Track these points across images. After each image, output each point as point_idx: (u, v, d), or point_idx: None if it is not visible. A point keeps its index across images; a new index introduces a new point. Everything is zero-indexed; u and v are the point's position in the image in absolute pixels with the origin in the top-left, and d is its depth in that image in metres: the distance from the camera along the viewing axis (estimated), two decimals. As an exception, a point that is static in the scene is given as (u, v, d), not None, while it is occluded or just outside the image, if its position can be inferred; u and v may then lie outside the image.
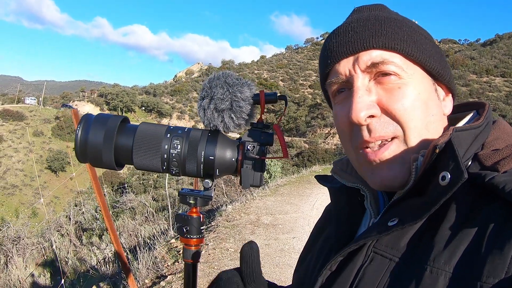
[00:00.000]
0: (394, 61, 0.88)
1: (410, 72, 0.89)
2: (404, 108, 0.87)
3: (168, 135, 0.99)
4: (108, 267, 8.54)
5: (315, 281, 0.94)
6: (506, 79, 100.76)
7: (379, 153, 0.89)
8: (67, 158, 62.54)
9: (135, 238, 10.38)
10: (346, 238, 0.99)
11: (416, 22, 1.03)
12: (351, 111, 0.88)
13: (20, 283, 8.38)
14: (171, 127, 1.02)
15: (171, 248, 7.58)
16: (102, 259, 9.24)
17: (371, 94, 0.89)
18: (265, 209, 10.46)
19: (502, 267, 0.67)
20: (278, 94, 1.01)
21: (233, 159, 0.99)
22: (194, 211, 1.08)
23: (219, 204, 12.28)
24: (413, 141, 0.88)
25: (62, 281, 5.95)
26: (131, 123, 1.06)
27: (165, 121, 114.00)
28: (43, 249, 10.64)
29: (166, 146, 0.98)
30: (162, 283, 5.83)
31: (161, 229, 9.83)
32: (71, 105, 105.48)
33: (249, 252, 0.92)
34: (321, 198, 11.68)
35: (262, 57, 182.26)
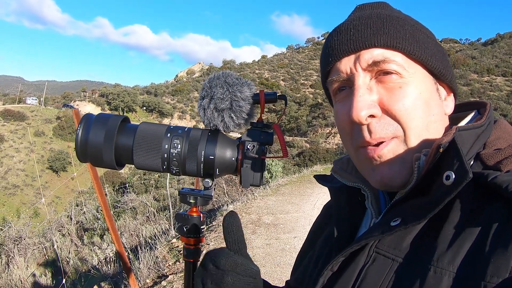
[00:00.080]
0: (395, 59, 0.88)
1: (412, 71, 0.89)
2: (405, 108, 0.86)
3: (168, 134, 0.99)
4: (109, 267, 8.55)
5: (316, 281, 0.94)
6: (507, 79, 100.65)
7: (378, 149, 0.89)
8: (68, 158, 62.62)
9: (136, 238, 10.38)
10: (347, 238, 0.99)
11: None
12: (352, 110, 0.87)
13: (21, 283, 8.38)
14: (171, 127, 1.02)
15: (172, 248, 7.58)
16: (103, 259, 9.24)
17: (372, 93, 0.89)
18: (266, 209, 10.45)
19: (505, 266, 0.66)
20: (278, 94, 1.01)
21: (233, 159, 0.99)
22: (195, 210, 1.08)
23: (220, 204, 12.28)
24: (413, 141, 0.87)
25: (64, 281, 5.95)
26: (132, 123, 1.07)
27: (166, 121, 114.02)
28: (44, 249, 10.65)
29: (167, 146, 0.98)
30: (163, 283, 5.83)
31: (162, 229, 9.83)
32: (72, 105, 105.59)
33: (231, 223, 0.92)
34: (322, 197, 11.66)
35: (263, 56, 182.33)
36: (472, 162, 0.87)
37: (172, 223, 9.80)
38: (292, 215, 9.89)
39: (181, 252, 7.22)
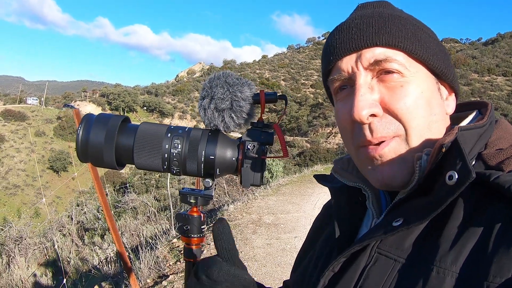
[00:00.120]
0: (397, 59, 0.87)
1: (413, 70, 0.88)
2: (406, 107, 0.86)
3: (169, 134, 0.99)
4: (110, 266, 8.55)
5: (317, 282, 0.94)
6: (507, 78, 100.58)
7: (379, 149, 0.88)
8: (69, 158, 62.69)
9: (137, 237, 10.39)
10: (347, 238, 0.98)
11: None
12: (353, 109, 0.87)
13: (22, 283, 8.39)
14: (172, 127, 1.02)
15: (173, 248, 7.59)
16: (104, 258, 9.25)
17: (373, 92, 0.88)
18: (267, 209, 10.45)
19: (508, 266, 0.66)
20: (278, 94, 1.01)
21: (234, 159, 0.99)
22: (195, 210, 1.08)
23: (221, 204, 12.28)
24: (415, 140, 0.87)
25: (64, 281, 5.96)
26: (132, 123, 1.07)
27: (167, 121, 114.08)
28: (45, 249, 10.66)
29: (167, 146, 0.98)
30: (164, 283, 5.84)
31: (163, 229, 9.83)
32: (73, 105, 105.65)
33: (222, 230, 0.92)
34: (323, 197, 11.65)
35: (264, 56, 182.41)
36: (474, 162, 0.86)
37: (172, 223, 9.80)
38: (293, 215, 9.90)
39: (182, 252, 7.23)
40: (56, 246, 10.16)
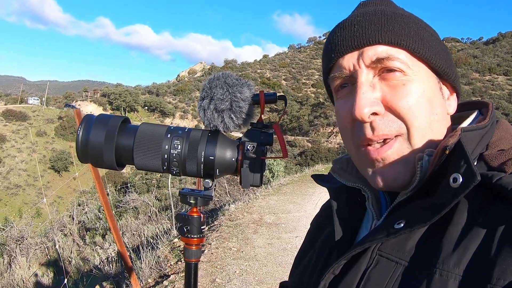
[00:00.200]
0: (399, 57, 0.86)
1: (416, 69, 0.87)
2: (408, 105, 0.85)
3: (169, 135, 1.00)
4: (111, 266, 8.55)
5: (317, 284, 0.93)
6: (508, 78, 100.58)
7: (381, 151, 0.87)
8: (70, 158, 62.78)
9: (138, 237, 10.39)
10: (347, 239, 0.97)
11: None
12: (355, 107, 0.85)
13: (23, 282, 8.40)
14: (172, 127, 1.02)
15: (174, 248, 7.58)
16: (105, 258, 9.26)
17: (375, 90, 0.87)
18: (268, 208, 10.45)
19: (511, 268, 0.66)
20: (278, 94, 1.01)
21: (233, 159, 0.99)
22: (195, 210, 1.08)
23: (222, 204, 12.28)
24: (417, 140, 0.86)
25: (65, 281, 5.96)
26: (133, 123, 1.07)
27: (168, 121, 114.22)
28: (46, 249, 10.66)
29: (167, 146, 0.98)
30: (165, 283, 5.84)
31: (164, 229, 9.83)
32: (74, 105, 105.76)
33: None
34: (324, 197, 11.51)
35: (265, 56, 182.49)
36: (475, 163, 0.85)
37: (174, 222, 9.81)
38: (294, 214, 9.90)
39: (183, 252, 7.23)
40: (57, 246, 10.17)
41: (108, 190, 16.48)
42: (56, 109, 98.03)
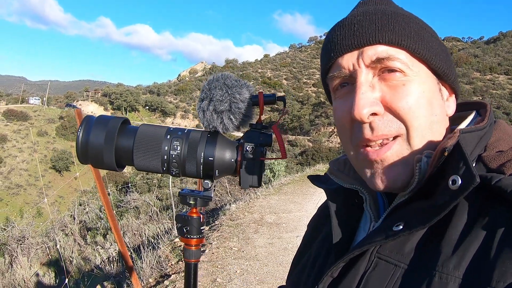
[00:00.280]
0: (399, 57, 0.85)
1: (416, 70, 0.86)
2: (408, 106, 0.84)
3: (168, 136, 1.00)
4: (112, 266, 8.56)
5: (316, 286, 0.92)
6: (509, 77, 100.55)
7: (381, 152, 0.86)
8: (71, 157, 62.84)
9: (139, 237, 10.40)
10: (346, 240, 0.97)
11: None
12: (354, 108, 0.84)
13: (24, 282, 8.41)
14: (171, 129, 1.02)
15: (175, 247, 7.59)
16: (106, 258, 9.27)
17: (374, 90, 0.86)
18: (269, 208, 10.46)
19: (511, 271, 0.66)
20: (277, 95, 1.01)
21: (232, 160, 1.00)
22: (194, 211, 1.08)
23: (223, 203, 12.29)
24: (416, 141, 0.85)
25: (66, 281, 5.97)
26: (134, 123, 1.07)
27: (169, 120, 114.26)
28: (47, 249, 10.67)
29: (166, 148, 0.99)
30: (166, 282, 5.84)
31: (165, 228, 9.83)
32: (75, 104, 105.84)
33: None
34: (325, 197, 11.54)
35: (266, 55, 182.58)
36: (474, 164, 0.83)
37: (174, 222, 9.80)
38: (295, 214, 9.89)
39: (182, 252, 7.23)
40: (58, 246, 10.18)
41: (109, 189, 16.50)
42: (57, 109, 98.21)
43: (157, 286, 5.89)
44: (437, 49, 0.90)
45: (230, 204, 10.96)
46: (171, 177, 11.73)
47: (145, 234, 10.15)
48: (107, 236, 11.39)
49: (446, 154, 0.78)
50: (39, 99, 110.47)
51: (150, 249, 7.25)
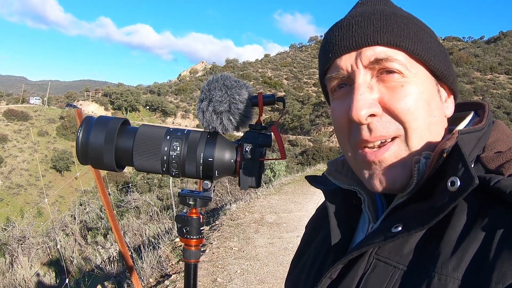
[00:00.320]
0: (398, 58, 0.84)
1: (414, 71, 0.85)
2: (407, 107, 0.83)
3: (168, 137, 1.00)
4: (112, 266, 8.57)
5: (314, 287, 0.92)
6: (510, 77, 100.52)
7: (379, 153, 0.85)
8: (72, 157, 62.82)
9: (139, 237, 10.40)
10: (343, 243, 0.97)
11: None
12: (352, 109, 0.84)
13: (25, 282, 8.41)
14: (171, 129, 1.03)
15: (175, 247, 7.59)
16: (106, 258, 9.27)
17: (372, 91, 0.85)
18: (269, 208, 10.46)
19: (511, 272, 0.65)
20: (277, 96, 1.01)
21: (232, 161, 1.00)
22: (194, 212, 1.08)
23: (223, 203, 12.29)
24: (415, 142, 0.85)
25: (67, 280, 5.97)
26: (134, 123, 1.07)
27: (169, 120, 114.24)
28: (48, 249, 10.68)
29: (166, 148, 0.99)
30: (167, 282, 5.84)
31: (165, 228, 9.84)
32: (75, 104, 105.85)
33: None
34: (325, 197, 11.56)
35: (266, 55, 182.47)
36: (473, 165, 0.84)
37: (175, 222, 9.81)
38: (295, 214, 9.90)
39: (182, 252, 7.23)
40: (59, 246, 10.17)
41: (109, 189, 16.51)
42: (57, 109, 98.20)
43: (158, 286, 5.90)
44: (436, 50, 0.90)
45: (230, 204, 10.96)
46: (171, 177, 11.74)
47: (145, 234, 10.15)
48: (108, 236, 11.39)
49: (444, 155, 0.78)
50: (39, 99, 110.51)
51: (150, 249, 7.26)
